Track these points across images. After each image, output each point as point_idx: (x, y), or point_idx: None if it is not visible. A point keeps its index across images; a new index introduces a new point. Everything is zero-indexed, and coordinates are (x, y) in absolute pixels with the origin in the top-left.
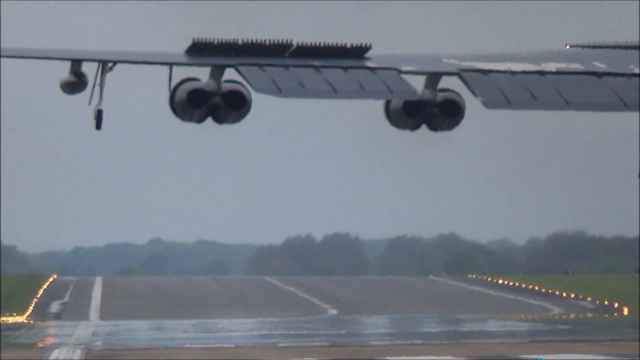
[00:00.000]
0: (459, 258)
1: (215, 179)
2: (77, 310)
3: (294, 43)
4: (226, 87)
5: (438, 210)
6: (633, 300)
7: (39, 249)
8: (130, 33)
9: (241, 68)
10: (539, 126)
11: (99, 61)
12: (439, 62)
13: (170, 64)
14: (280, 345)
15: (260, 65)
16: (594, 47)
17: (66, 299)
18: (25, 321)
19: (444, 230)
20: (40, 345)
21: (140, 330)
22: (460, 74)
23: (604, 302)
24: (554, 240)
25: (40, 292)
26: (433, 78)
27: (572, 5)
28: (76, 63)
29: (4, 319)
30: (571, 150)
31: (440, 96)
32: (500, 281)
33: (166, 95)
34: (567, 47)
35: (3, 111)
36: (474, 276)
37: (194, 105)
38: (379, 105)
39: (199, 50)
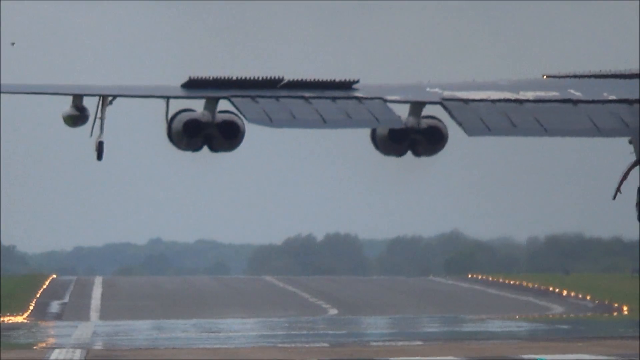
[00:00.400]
0: (460, 257)
1: (215, 179)
2: (77, 310)
3: (285, 78)
4: (220, 117)
5: (439, 209)
6: (633, 299)
7: (39, 249)
8: (130, 34)
9: (234, 99)
10: None
11: (100, 96)
12: (422, 92)
13: (167, 98)
14: (281, 345)
15: (252, 97)
16: (568, 76)
17: (66, 299)
18: (25, 321)
19: (445, 229)
20: (40, 345)
21: (140, 330)
22: (442, 102)
23: (604, 302)
24: (552, 241)
25: (40, 292)
26: (417, 107)
27: (572, 5)
28: (77, 98)
29: (4, 319)
30: (570, 151)
31: (424, 123)
32: (500, 280)
33: (164, 126)
34: (544, 77)
35: (3, 114)
36: (474, 276)
37: (189, 135)
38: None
39: (195, 85)
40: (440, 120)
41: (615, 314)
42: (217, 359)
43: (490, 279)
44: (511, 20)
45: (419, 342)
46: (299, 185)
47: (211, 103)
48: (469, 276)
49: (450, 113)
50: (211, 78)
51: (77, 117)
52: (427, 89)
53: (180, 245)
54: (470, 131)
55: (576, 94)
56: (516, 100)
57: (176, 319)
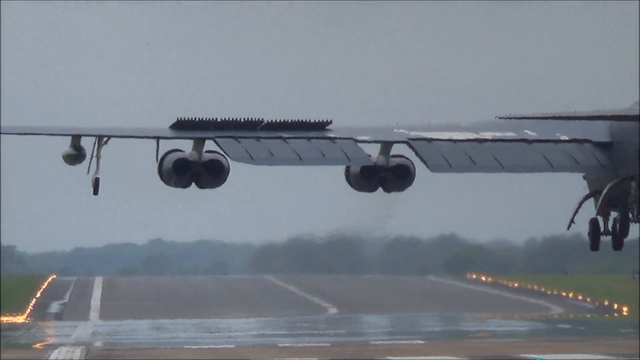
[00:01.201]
0: (458, 259)
1: None
2: (77, 311)
3: (265, 120)
4: (207, 157)
5: (436, 211)
6: (632, 300)
7: (39, 249)
8: (128, 35)
9: (219, 140)
10: None
11: (96, 136)
12: (390, 132)
13: (158, 138)
14: (281, 345)
15: (235, 138)
16: (520, 118)
17: (66, 299)
18: (25, 321)
19: (443, 232)
20: (40, 345)
21: (140, 330)
22: (408, 142)
23: (603, 302)
24: (551, 242)
25: (40, 292)
26: (385, 146)
27: (572, 5)
28: (76, 138)
29: (4, 319)
30: None
31: (393, 162)
32: (500, 280)
33: (154, 165)
34: (497, 119)
35: (4, 115)
36: (473, 275)
37: (178, 173)
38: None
39: (182, 127)
40: (408, 159)
41: (615, 314)
42: (217, 358)
43: (489, 279)
44: (511, 20)
45: (420, 341)
46: (299, 184)
47: (198, 143)
48: (468, 276)
49: (415, 151)
50: (197, 119)
51: (75, 156)
52: (395, 130)
53: (180, 246)
54: (433, 168)
55: (531, 134)
56: (476, 140)
57: (176, 319)
